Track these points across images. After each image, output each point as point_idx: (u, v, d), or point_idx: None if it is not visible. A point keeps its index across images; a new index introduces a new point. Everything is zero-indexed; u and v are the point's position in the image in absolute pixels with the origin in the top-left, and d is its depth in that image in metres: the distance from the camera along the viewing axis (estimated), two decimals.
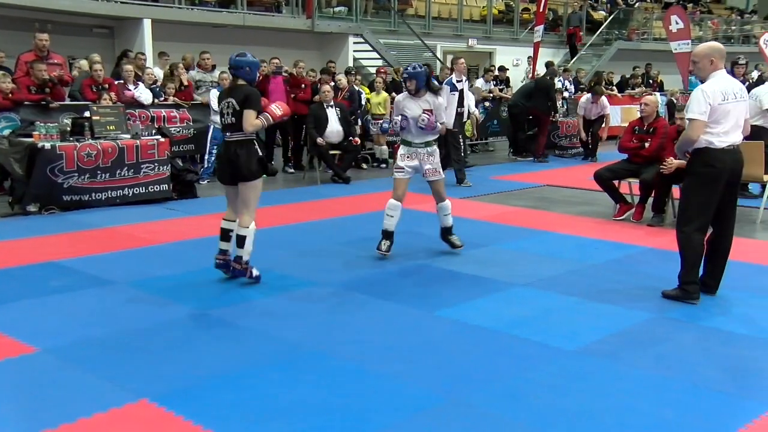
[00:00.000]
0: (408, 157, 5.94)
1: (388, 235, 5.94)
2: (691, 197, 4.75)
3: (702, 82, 4.70)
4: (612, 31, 21.97)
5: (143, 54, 10.98)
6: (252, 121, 4.96)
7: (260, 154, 5.10)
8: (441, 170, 5.98)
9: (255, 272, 5.16)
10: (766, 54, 17.50)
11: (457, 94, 9.47)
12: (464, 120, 10.04)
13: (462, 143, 9.82)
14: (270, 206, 8.14)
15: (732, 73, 11.08)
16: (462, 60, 10.01)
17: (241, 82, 5.11)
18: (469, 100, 10.40)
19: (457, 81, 9.65)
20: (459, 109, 9.54)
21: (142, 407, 3.24)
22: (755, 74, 20.08)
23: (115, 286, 5.06)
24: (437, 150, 6.02)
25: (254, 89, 5.15)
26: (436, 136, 6.02)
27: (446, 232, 6.12)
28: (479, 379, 3.58)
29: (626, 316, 4.52)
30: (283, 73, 10.63)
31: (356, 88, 11.60)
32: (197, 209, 7.88)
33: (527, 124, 12.68)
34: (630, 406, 3.30)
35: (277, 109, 5.13)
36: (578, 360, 3.83)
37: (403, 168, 5.93)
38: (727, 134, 4.60)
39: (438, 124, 5.89)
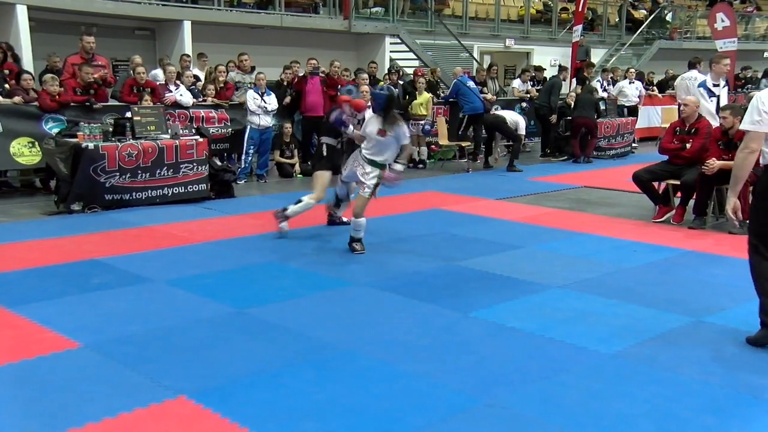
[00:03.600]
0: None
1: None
2: (752, 220, 4.09)
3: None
4: (652, 31, 21.57)
5: (188, 56, 11.17)
6: None
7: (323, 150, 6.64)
8: (373, 191, 5.96)
9: (281, 226, 6.44)
10: None
11: (714, 101, 7.89)
12: None
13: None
14: None
15: None
16: (726, 60, 8.33)
17: None
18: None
19: (714, 85, 8.04)
20: None
21: (180, 404, 3.30)
22: None
23: (153, 284, 5.16)
24: (379, 172, 5.97)
25: None
26: (383, 165, 6.01)
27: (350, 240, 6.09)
28: (514, 381, 3.56)
29: (665, 319, 4.44)
30: (320, 74, 10.70)
31: (400, 83, 11.60)
32: (234, 209, 7.98)
33: (561, 123, 12.57)
34: (669, 412, 3.24)
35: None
36: (615, 363, 3.78)
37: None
38: None
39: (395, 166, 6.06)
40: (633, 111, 14.05)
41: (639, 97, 14.24)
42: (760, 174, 4.04)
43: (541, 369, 3.70)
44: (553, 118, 12.53)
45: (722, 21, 15.42)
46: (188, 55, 11.23)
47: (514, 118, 11.42)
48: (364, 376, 3.60)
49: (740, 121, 6.74)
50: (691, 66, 12.92)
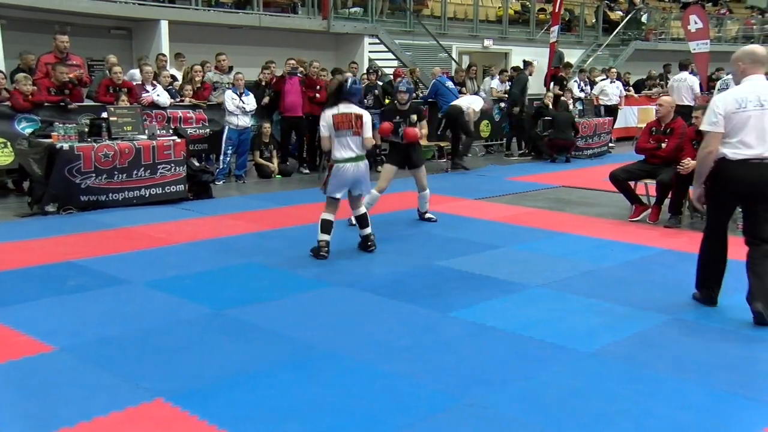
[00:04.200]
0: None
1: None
2: (707, 205, 4.65)
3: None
4: (628, 32, 21.81)
5: (164, 55, 11.05)
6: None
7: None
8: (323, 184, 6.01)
9: (352, 219, 6.41)
10: None
11: None
12: None
13: None
14: (285, 207, 8.18)
15: None
16: None
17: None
18: None
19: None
20: None
21: (157, 406, 3.27)
22: None
23: (131, 285, 5.10)
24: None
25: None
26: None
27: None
28: (494, 380, 3.57)
29: (642, 318, 4.49)
30: (299, 74, 10.66)
31: (379, 84, 11.59)
32: (213, 210, 7.92)
33: (539, 122, 12.67)
34: (646, 409, 3.27)
35: None
36: (593, 362, 3.81)
37: None
38: (747, 145, 4.27)
39: None
40: (612, 110, 14.22)
41: (620, 96, 14.41)
42: (712, 167, 4.43)
43: (521, 368, 3.72)
44: (516, 110, 12.72)
45: (695, 23, 15.65)
46: (164, 55, 11.10)
47: (467, 102, 11.38)
48: (344, 377, 3.59)
49: None
50: (682, 68, 13.16)
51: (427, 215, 7.42)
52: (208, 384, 3.50)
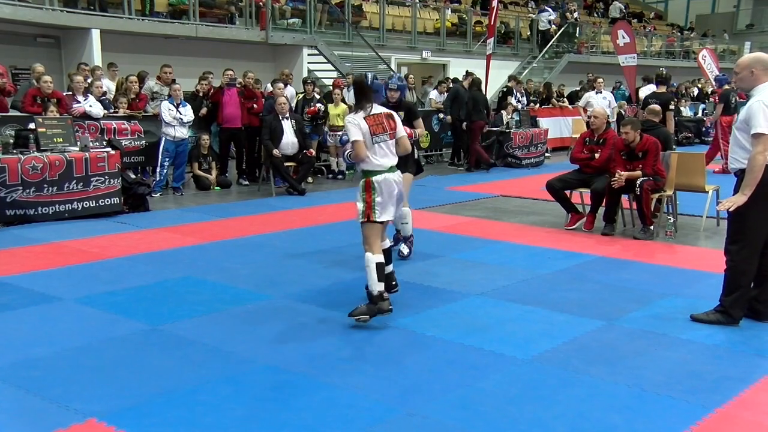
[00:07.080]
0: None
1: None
2: (748, 221, 4.38)
3: (741, 93, 4.48)
4: (562, 44, 22.47)
5: (86, 65, 10.70)
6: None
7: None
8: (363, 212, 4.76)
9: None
10: (704, 69, 18.23)
11: None
12: None
13: None
14: (224, 219, 8.05)
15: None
16: None
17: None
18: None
19: None
20: None
21: (89, 427, 3.15)
22: (695, 90, 20.99)
23: (61, 302, 4.92)
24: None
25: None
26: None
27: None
28: (434, 389, 3.59)
29: (578, 324, 4.59)
30: (237, 85, 10.55)
31: (317, 97, 11.57)
32: (149, 223, 7.73)
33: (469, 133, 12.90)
34: (581, 413, 3.35)
35: None
36: (531, 368, 3.87)
37: None
38: None
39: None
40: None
41: (611, 108, 13.80)
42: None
43: (461, 377, 3.75)
44: (448, 119, 12.81)
45: (623, 38, 16.30)
46: (86, 64, 10.77)
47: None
48: (283, 390, 3.55)
49: (641, 135, 7.18)
50: (648, 80, 13.46)
51: (402, 246, 6.25)
52: (144, 401, 3.40)
